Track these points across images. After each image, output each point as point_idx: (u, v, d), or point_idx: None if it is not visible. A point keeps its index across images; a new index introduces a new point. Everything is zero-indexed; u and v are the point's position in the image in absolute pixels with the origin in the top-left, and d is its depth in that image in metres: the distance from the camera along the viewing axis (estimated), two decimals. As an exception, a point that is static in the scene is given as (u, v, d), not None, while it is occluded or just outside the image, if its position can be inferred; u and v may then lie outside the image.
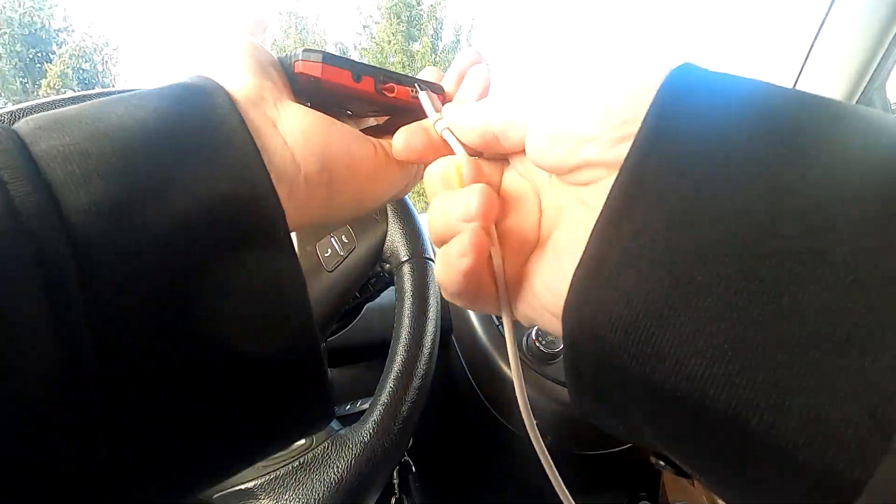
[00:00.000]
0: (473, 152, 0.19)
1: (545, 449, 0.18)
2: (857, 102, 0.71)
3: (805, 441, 0.10)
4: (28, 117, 0.15)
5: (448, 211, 0.17)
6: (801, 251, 0.10)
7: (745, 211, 0.11)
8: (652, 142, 0.13)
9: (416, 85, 0.21)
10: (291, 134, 0.18)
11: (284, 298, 0.16)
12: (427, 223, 0.19)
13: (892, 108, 0.78)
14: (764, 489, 0.11)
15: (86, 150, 0.13)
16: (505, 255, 0.17)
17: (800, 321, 0.10)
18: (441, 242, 0.17)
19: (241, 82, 0.18)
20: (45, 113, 0.15)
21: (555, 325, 0.15)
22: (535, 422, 0.18)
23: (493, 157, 0.19)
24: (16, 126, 0.14)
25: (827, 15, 0.71)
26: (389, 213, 0.42)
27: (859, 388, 0.09)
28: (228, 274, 0.14)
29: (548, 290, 0.16)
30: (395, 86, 0.20)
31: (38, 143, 0.13)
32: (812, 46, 0.75)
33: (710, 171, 0.12)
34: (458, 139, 0.19)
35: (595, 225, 0.13)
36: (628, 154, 0.13)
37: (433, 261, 0.41)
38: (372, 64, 0.21)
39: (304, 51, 0.19)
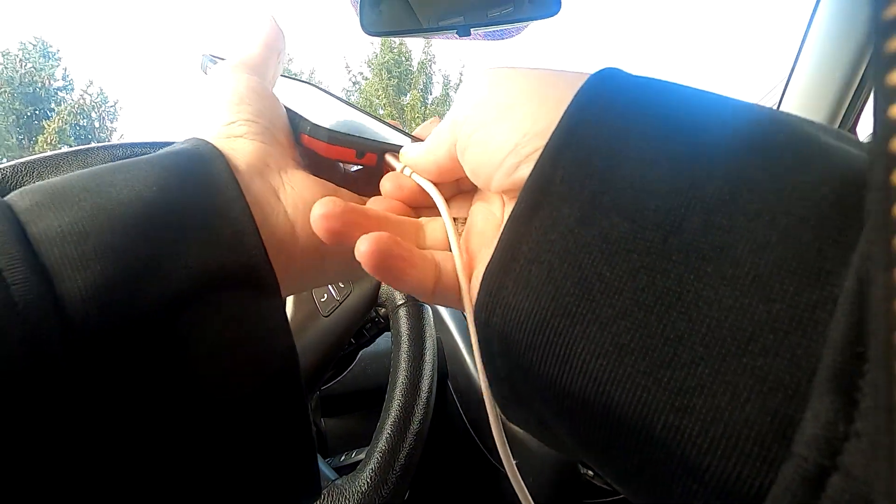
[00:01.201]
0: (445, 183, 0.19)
1: (524, 488, 0.18)
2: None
3: (708, 445, 0.10)
4: (25, 188, 0.15)
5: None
6: (705, 247, 0.11)
7: (652, 206, 0.11)
8: (564, 141, 0.13)
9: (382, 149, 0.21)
10: (293, 205, 0.18)
11: (274, 381, 0.15)
12: None
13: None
14: (672, 494, 0.10)
15: (83, 229, 0.13)
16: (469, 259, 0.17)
17: (703, 319, 0.10)
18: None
19: (245, 148, 0.18)
20: (42, 185, 0.15)
21: None
22: (512, 458, 0.17)
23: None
24: (11, 199, 0.14)
25: (795, 64, 0.76)
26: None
27: (760, 388, 0.09)
28: (219, 345, 0.14)
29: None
30: (394, 154, 0.21)
31: (36, 223, 0.13)
32: (783, 93, 0.79)
33: (619, 168, 0.12)
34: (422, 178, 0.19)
35: (506, 222, 0.13)
36: (542, 153, 0.13)
37: (428, 305, 0.42)
38: (364, 133, 0.21)
39: (311, 126, 0.19)
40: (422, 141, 0.20)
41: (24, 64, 9.54)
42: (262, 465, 0.15)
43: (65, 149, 0.57)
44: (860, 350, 0.09)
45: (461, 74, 11.58)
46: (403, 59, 11.30)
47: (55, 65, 9.91)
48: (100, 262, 0.13)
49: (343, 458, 0.54)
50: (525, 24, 0.85)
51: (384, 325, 0.50)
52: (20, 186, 0.41)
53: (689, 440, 0.10)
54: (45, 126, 9.23)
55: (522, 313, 0.12)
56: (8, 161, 0.44)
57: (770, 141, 0.11)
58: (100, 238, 0.13)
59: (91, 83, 10.16)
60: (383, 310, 0.44)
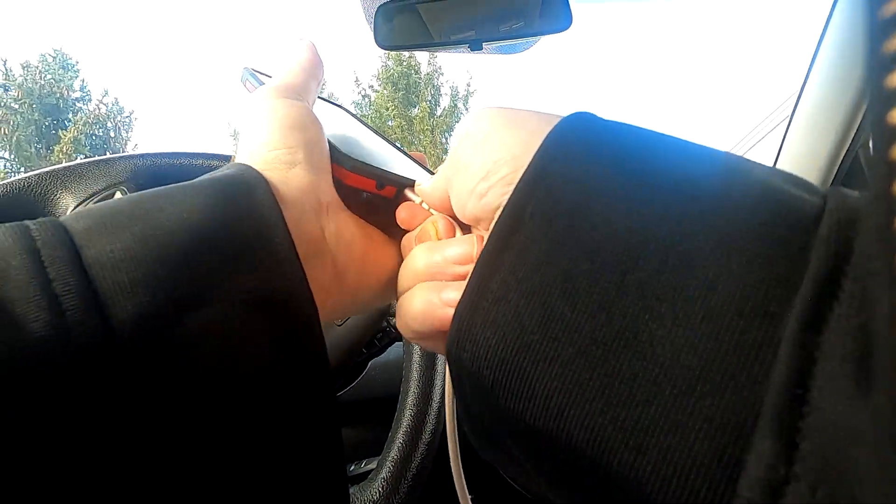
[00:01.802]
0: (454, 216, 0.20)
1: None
2: (842, 158, 0.74)
3: (660, 484, 0.10)
4: (79, 211, 0.15)
5: (435, 256, 0.18)
6: (660, 287, 0.11)
7: (611, 246, 0.12)
8: (535, 179, 0.13)
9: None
10: (336, 245, 0.18)
11: (310, 407, 0.16)
12: (403, 269, 0.20)
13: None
14: None
15: (135, 256, 0.14)
16: None
17: (657, 358, 0.10)
18: (416, 282, 0.18)
19: (297, 180, 0.18)
20: (95, 209, 0.15)
21: None
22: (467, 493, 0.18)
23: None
24: (67, 221, 0.14)
25: (807, 78, 0.76)
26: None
27: (708, 429, 0.10)
28: (261, 373, 0.15)
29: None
30: (412, 189, 0.21)
31: (89, 248, 0.14)
32: (795, 107, 0.79)
33: (585, 208, 0.12)
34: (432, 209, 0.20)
35: (478, 258, 0.14)
36: (512, 193, 0.14)
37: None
38: (385, 164, 0.22)
39: (337, 153, 0.20)
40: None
41: (43, 75, 9.77)
42: (294, 479, 0.16)
43: (86, 158, 0.58)
44: (800, 392, 0.09)
45: (468, 86, 11.67)
46: (412, 71, 11.43)
47: (74, 76, 10.14)
48: (149, 289, 0.13)
49: (353, 467, 0.54)
50: (536, 38, 0.86)
51: (395, 335, 0.50)
52: (45, 194, 0.43)
53: (643, 479, 0.10)
54: (62, 136, 9.42)
55: (490, 350, 0.13)
56: (33, 170, 0.45)
57: (725, 185, 0.12)
58: (149, 265, 0.14)
59: (107, 93, 10.38)
60: (394, 319, 0.45)
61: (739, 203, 0.11)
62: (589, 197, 0.12)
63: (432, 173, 0.23)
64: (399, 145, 0.27)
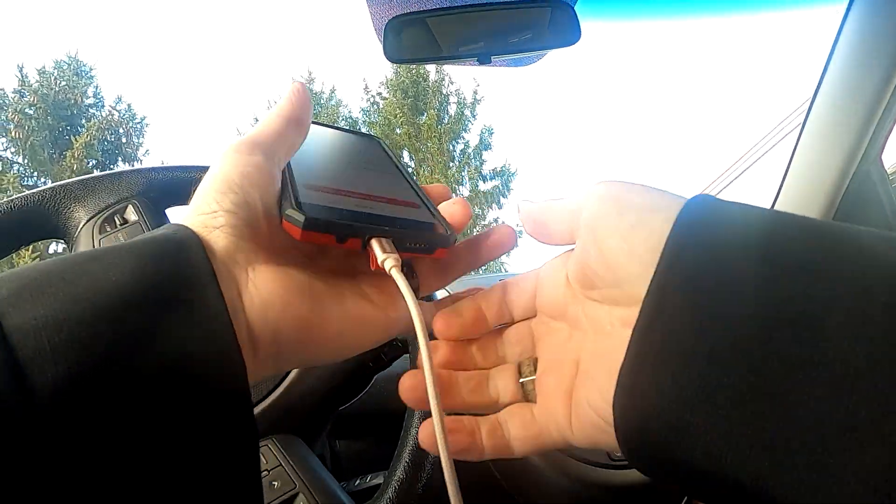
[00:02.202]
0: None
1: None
2: (853, 174, 0.74)
3: None
4: (8, 274, 0.15)
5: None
6: (797, 357, 0.13)
7: (748, 322, 0.13)
8: (671, 267, 0.15)
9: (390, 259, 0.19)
10: (250, 304, 0.18)
11: (236, 468, 0.16)
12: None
13: (891, 177, 0.80)
14: None
15: (58, 320, 0.14)
16: (557, 390, 0.20)
17: (805, 411, 0.12)
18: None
19: (219, 242, 0.18)
20: (23, 271, 0.15)
21: (609, 437, 0.17)
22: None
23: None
24: None
25: (817, 91, 0.76)
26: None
27: (861, 474, 0.11)
28: (184, 428, 0.15)
29: (591, 406, 0.18)
30: (381, 240, 0.19)
31: (12, 316, 0.14)
32: (805, 121, 0.79)
33: (718, 290, 0.14)
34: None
35: (631, 339, 0.16)
36: (652, 280, 0.16)
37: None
38: (363, 207, 0.21)
39: (287, 212, 0.19)
40: (442, 217, 0.22)
41: (58, 82, 9.93)
42: None
43: (99, 172, 0.58)
44: None
45: (475, 93, 11.74)
46: (421, 79, 11.51)
47: (88, 83, 10.31)
48: (73, 353, 0.13)
49: (358, 482, 0.54)
50: (544, 52, 0.87)
51: (402, 348, 0.50)
52: (59, 208, 0.43)
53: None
54: (75, 141, 9.56)
55: (656, 407, 0.14)
56: (46, 176, 0.46)
57: (838, 260, 0.14)
58: (74, 329, 0.14)
59: (120, 100, 10.54)
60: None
61: (857, 279, 0.13)
62: (724, 281, 0.14)
63: (447, 226, 0.21)
64: (414, 181, 0.26)
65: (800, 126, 0.78)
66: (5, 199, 0.42)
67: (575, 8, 0.74)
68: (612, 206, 0.18)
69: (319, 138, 0.27)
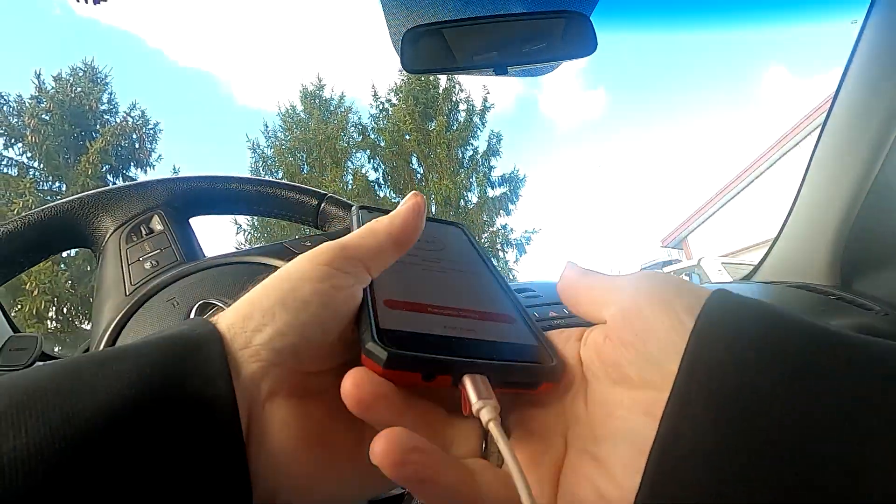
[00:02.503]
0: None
1: None
2: (871, 184, 0.73)
3: None
4: (2, 381, 0.14)
5: None
6: (824, 456, 0.13)
7: (775, 429, 0.14)
8: (696, 358, 0.16)
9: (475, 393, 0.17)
10: (264, 453, 0.16)
11: None
12: None
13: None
14: None
15: (41, 452, 0.13)
16: (537, 463, 0.18)
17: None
18: None
19: (250, 365, 0.16)
20: (16, 382, 0.14)
21: None
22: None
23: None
24: None
25: (835, 101, 0.75)
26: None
27: None
28: None
29: (600, 493, 0.17)
30: (476, 379, 0.17)
31: None
32: (823, 129, 0.78)
33: (743, 384, 0.15)
34: None
35: (654, 444, 0.15)
36: (674, 383, 0.16)
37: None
38: (453, 329, 0.18)
39: (367, 346, 0.17)
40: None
41: (74, 88, 10.11)
42: None
43: (123, 182, 0.59)
44: None
45: (485, 100, 11.77)
46: (430, 86, 11.57)
47: (103, 89, 10.48)
48: (55, 487, 0.12)
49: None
50: (559, 62, 0.87)
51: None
52: (87, 217, 0.44)
53: None
54: (90, 146, 9.71)
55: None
56: (77, 194, 0.47)
57: (860, 370, 0.14)
58: (59, 460, 0.13)
59: (134, 106, 10.70)
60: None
61: (872, 388, 0.14)
62: (745, 374, 0.15)
63: (547, 345, 0.20)
64: (502, 277, 0.23)
65: (820, 128, 0.78)
66: (36, 209, 0.43)
67: (591, 19, 0.74)
68: (645, 297, 0.18)
69: None
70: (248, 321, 0.17)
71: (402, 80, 11.59)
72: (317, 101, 12.00)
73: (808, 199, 0.82)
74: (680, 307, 0.17)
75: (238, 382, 0.16)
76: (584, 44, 0.75)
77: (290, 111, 11.98)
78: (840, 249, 0.76)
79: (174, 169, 10.66)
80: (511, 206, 11.59)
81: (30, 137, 9.43)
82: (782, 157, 7.73)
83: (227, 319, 0.17)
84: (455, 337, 0.18)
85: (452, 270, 0.23)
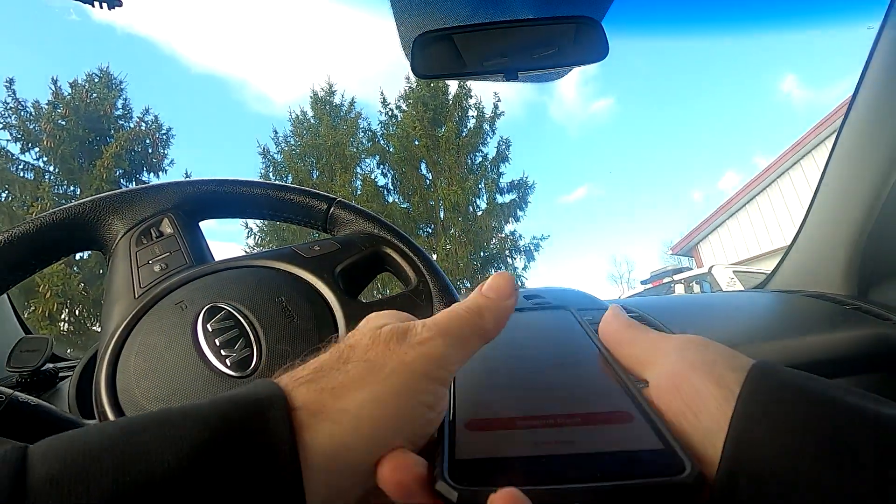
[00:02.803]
0: None
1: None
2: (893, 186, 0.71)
3: None
4: (51, 442, 0.14)
5: None
6: None
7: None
8: (738, 443, 0.16)
9: None
10: None
11: None
12: None
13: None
14: None
15: None
16: None
17: None
18: None
19: (323, 435, 0.15)
20: (65, 443, 0.13)
21: None
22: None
23: None
24: (30, 464, 0.13)
25: (852, 103, 0.74)
26: (435, 297, 0.43)
27: None
28: None
29: None
30: None
31: None
32: (840, 131, 0.77)
33: (785, 472, 0.15)
34: None
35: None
36: (725, 445, 0.16)
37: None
38: (552, 445, 0.15)
39: (436, 486, 0.15)
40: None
41: (89, 94, 10.29)
42: None
43: (135, 185, 0.60)
44: None
45: (495, 107, 11.79)
46: (440, 92, 11.62)
47: (118, 94, 10.66)
48: None
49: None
50: (570, 68, 0.87)
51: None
52: (98, 220, 0.44)
53: None
54: (104, 151, 9.86)
55: None
56: (89, 196, 0.47)
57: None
58: None
59: (147, 111, 10.86)
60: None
61: None
62: (785, 447, 0.15)
63: (678, 446, 0.16)
64: (619, 366, 0.20)
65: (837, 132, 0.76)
66: (48, 212, 0.44)
67: (602, 24, 0.74)
68: (690, 365, 0.18)
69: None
70: (329, 378, 0.17)
71: (411, 86, 11.66)
72: (327, 106, 12.11)
73: (824, 207, 0.81)
74: (731, 380, 0.17)
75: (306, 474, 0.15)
76: (596, 49, 0.75)
77: (300, 117, 12.10)
78: (856, 258, 0.75)
79: (185, 173, 10.79)
80: (520, 213, 11.58)
81: (46, 142, 9.60)
82: (794, 165, 7.65)
83: (303, 372, 0.17)
84: (549, 456, 0.15)
85: (553, 364, 0.21)
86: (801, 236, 0.86)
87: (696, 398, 0.17)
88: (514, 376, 0.20)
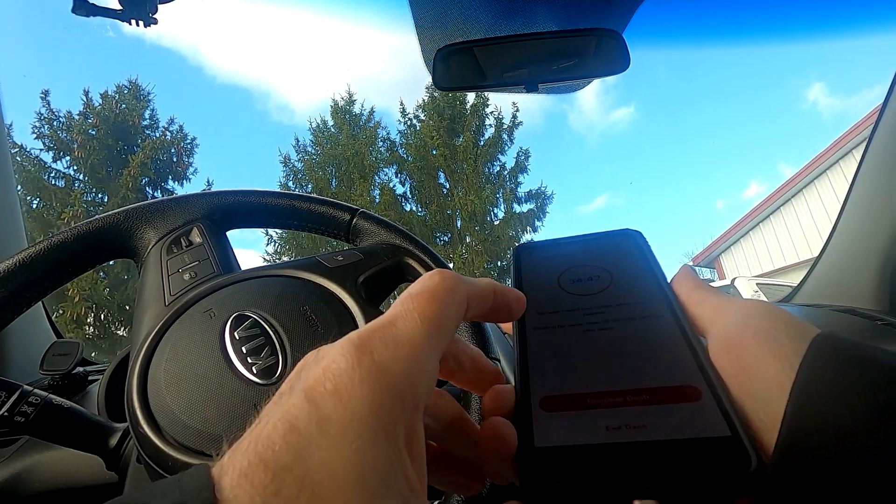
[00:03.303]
0: None
1: None
2: None
3: None
4: None
5: None
6: None
7: (868, 459, 0.14)
8: (797, 415, 0.16)
9: None
10: None
11: None
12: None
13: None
14: None
15: None
16: None
17: None
18: None
19: None
20: None
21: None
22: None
23: None
24: None
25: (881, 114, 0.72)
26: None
27: None
28: None
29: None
30: None
31: None
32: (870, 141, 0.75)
33: (845, 445, 0.15)
34: None
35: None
36: (783, 421, 0.16)
37: (499, 360, 0.42)
38: (619, 429, 0.16)
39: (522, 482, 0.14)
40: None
41: (118, 105, 10.63)
42: None
43: (163, 194, 0.61)
44: None
45: (514, 117, 11.81)
46: (458, 102, 11.70)
47: (146, 105, 10.99)
48: None
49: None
50: (590, 79, 0.87)
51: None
52: (132, 229, 0.46)
53: None
54: (131, 159, 10.16)
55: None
56: (122, 207, 0.49)
57: None
58: None
59: (173, 121, 11.17)
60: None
61: None
62: (846, 410, 0.15)
63: (746, 436, 0.16)
64: (683, 316, 0.20)
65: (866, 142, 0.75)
66: (84, 222, 0.45)
67: (623, 36, 0.74)
68: (753, 332, 0.18)
69: (558, 264, 0.22)
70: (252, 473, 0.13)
71: (431, 94, 11.76)
72: (347, 116, 12.28)
73: (854, 218, 0.79)
74: (790, 350, 0.17)
75: None
76: (617, 61, 0.75)
77: (320, 126, 12.30)
78: (888, 271, 0.72)
79: (208, 182, 11.03)
80: (538, 223, 11.54)
81: (77, 152, 9.94)
82: (820, 175, 7.47)
83: (236, 455, 0.13)
84: (622, 444, 0.15)
85: (619, 319, 0.20)
86: (830, 248, 0.84)
87: (751, 365, 0.18)
88: (584, 336, 0.19)
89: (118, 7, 0.58)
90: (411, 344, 0.15)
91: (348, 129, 12.02)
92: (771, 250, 8.33)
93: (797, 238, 7.76)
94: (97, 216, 0.46)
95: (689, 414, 0.16)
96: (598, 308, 0.21)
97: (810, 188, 7.63)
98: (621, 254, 0.23)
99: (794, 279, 0.95)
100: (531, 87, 0.77)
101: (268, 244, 11.25)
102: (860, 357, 0.16)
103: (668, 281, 0.22)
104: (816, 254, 0.88)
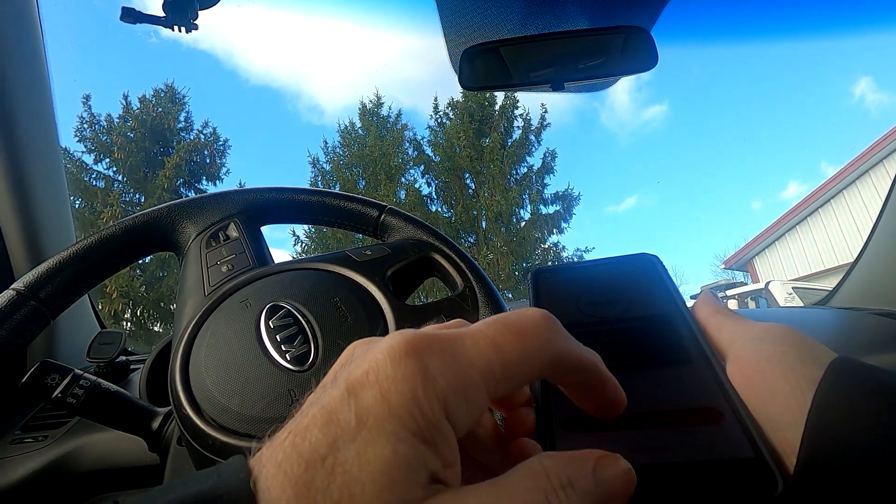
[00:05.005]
0: None
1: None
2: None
3: None
4: None
5: None
6: None
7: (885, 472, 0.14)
8: (815, 432, 0.16)
9: None
10: None
11: None
12: None
13: None
14: None
15: None
16: None
17: None
18: None
19: None
20: None
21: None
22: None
23: None
24: None
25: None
26: (481, 302, 0.44)
27: None
28: None
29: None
30: None
31: None
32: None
33: (864, 463, 0.15)
34: None
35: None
36: (802, 440, 0.16)
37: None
38: (643, 451, 0.15)
39: None
40: None
41: (155, 108, 11.04)
42: None
43: (202, 193, 0.64)
44: None
45: (542, 118, 11.73)
46: (486, 103, 11.69)
47: (181, 108, 11.38)
48: None
49: None
50: (618, 77, 0.86)
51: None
52: (174, 224, 0.48)
53: None
54: (166, 161, 10.53)
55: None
56: (163, 203, 0.52)
57: None
58: None
59: (207, 124, 11.53)
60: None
61: None
62: (861, 434, 0.15)
63: (770, 455, 0.16)
64: (701, 335, 0.20)
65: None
66: (129, 217, 0.48)
67: (652, 33, 0.73)
68: (766, 357, 0.19)
69: (577, 288, 0.22)
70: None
71: (460, 94, 11.79)
72: (374, 118, 12.41)
73: (893, 220, 0.76)
74: (801, 374, 0.18)
75: None
76: (645, 58, 0.74)
77: (349, 128, 12.48)
78: (931, 274, 0.70)
79: (240, 183, 11.34)
80: (564, 224, 11.42)
81: (116, 154, 10.36)
82: (863, 174, 7.16)
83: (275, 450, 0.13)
84: (646, 466, 0.14)
85: (640, 342, 0.20)
86: (869, 250, 0.82)
87: (763, 389, 0.18)
88: (605, 359, 0.18)
89: (162, 14, 0.61)
90: (466, 366, 0.14)
91: (376, 130, 12.15)
92: (808, 254, 8.02)
93: (836, 241, 7.46)
94: (142, 211, 0.48)
95: (714, 436, 0.16)
96: (619, 331, 0.21)
97: (851, 189, 7.31)
98: (639, 278, 0.23)
99: (832, 285, 0.92)
100: (557, 86, 0.77)
101: (295, 244, 11.49)
102: (878, 381, 0.16)
103: (687, 305, 0.22)
104: (853, 258, 0.85)
